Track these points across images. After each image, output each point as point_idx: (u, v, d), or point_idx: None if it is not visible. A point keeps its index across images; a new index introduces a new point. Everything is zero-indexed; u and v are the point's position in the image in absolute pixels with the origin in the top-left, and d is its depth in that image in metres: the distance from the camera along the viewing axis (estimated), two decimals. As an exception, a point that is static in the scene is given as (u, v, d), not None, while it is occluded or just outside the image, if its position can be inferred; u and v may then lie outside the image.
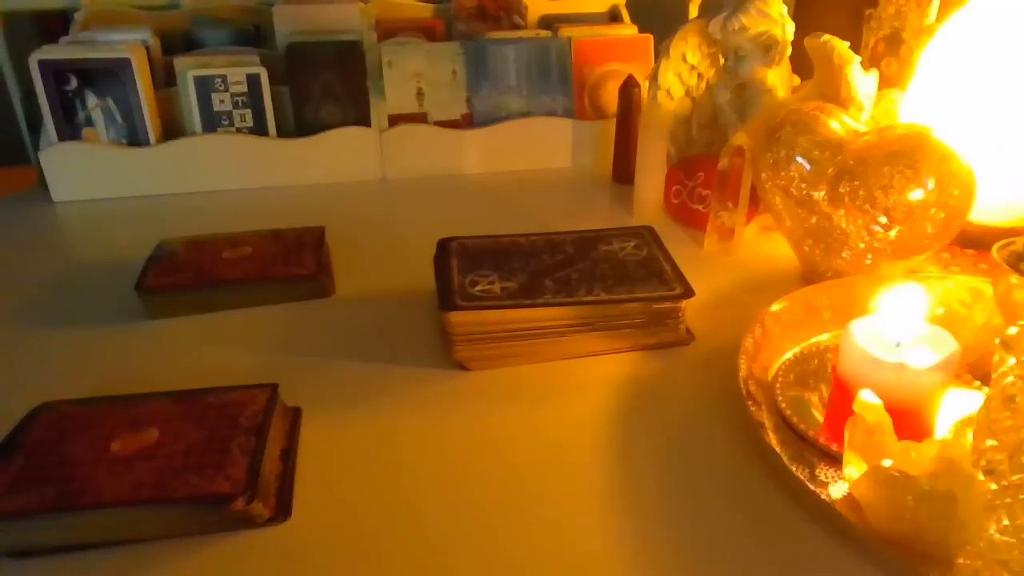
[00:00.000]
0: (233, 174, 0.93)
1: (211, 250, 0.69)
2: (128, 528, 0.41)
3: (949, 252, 0.73)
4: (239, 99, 0.92)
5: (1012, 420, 0.38)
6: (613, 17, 1.14)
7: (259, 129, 0.93)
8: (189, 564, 0.40)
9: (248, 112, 0.92)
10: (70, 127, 0.88)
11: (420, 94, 0.97)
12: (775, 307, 0.57)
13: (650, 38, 1.04)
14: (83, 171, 0.89)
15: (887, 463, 0.40)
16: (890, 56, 0.87)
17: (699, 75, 0.85)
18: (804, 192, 0.64)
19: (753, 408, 0.48)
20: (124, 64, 0.87)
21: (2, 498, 0.40)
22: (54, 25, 1.03)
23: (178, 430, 0.45)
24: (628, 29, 1.09)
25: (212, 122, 0.92)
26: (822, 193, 0.62)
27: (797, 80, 0.86)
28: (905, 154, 0.58)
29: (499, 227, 0.69)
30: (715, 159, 0.74)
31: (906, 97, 0.76)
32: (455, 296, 0.56)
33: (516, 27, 1.09)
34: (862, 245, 0.62)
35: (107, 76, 0.87)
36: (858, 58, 0.72)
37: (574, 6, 1.13)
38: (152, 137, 0.90)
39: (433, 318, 0.62)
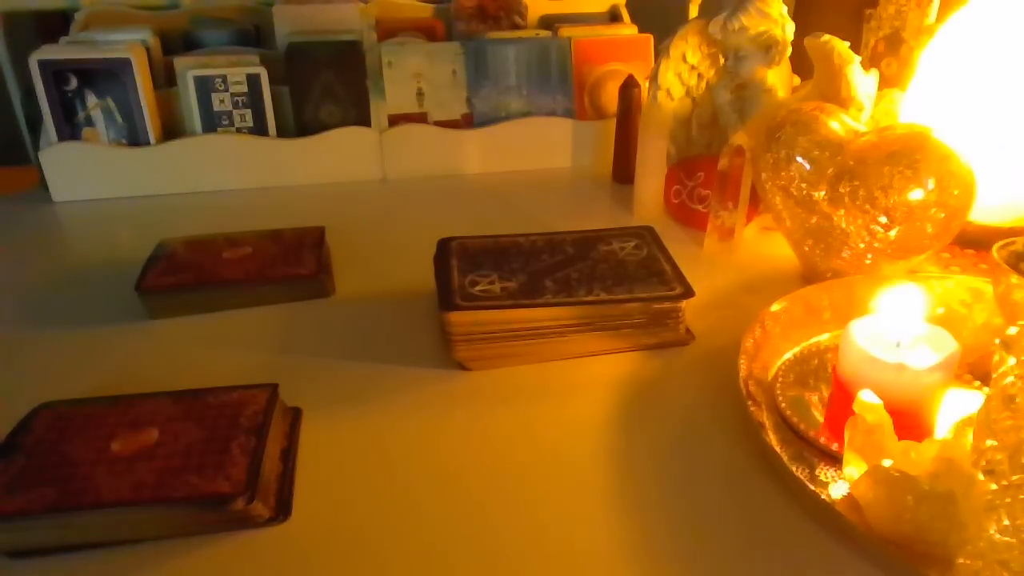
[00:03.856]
0: (233, 174, 0.93)
1: (211, 250, 0.69)
2: (128, 528, 0.41)
3: (949, 252, 0.73)
4: (239, 99, 0.92)
5: (1012, 420, 0.38)
6: (613, 17, 1.14)
7: (259, 129, 0.93)
8: (189, 564, 0.40)
9: (248, 112, 0.92)
10: (70, 127, 0.88)
11: (420, 94, 0.97)
12: (775, 307, 0.57)
13: (650, 38, 1.04)
14: (83, 171, 0.89)
15: (887, 463, 0.40)
16: (890, 56, 0.87)
17: (699, 75, 0.85)
18: (804, 192, 0.64)
19: (753, 408, 0.48)
20: (124, 64, 0.87)
21: (2, 498, 0.40)
22: (54, 25, 1.03)
23: (178, 430, 0.45)
24: (628, 29, 1.09)
25: (212, 122, 0.92)
26: (822, 193, 0.62)
27: (797, 80, 0.86)
28: (905, 154, 0.58)
29: (499, 227, 0.69)
30: (715, 159, 0.74)
31: (906, 97, 0.76)
32: (455, 296, 0.56)
33: (516, 27, 1.08)
34: (862, 245, 0.62)
35: (107, 76, 0.87)
36: (858, 58, 0.72)
37: (574, 6, 1.13)
38: (152, 137, 0.90)
39: (433, 318, 0.62)
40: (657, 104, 0.82)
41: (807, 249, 0.67)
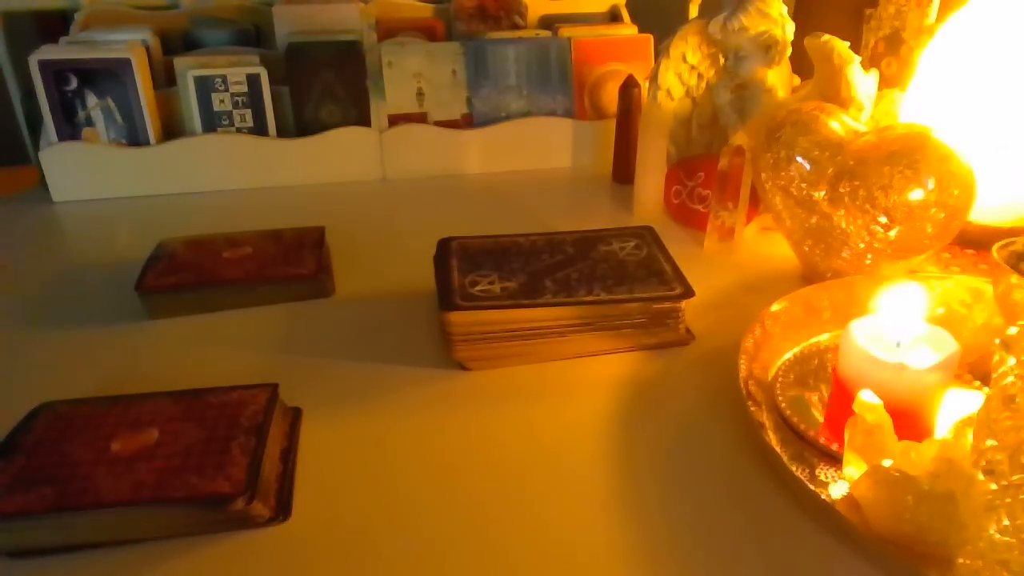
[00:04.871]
0: (233, 174, 0.93)
1: (211, 250, 0.69)
2: (128, 528, 0.41)
3: (949, 252, 0.73)
4: (239, 99, 0.92)
5: (1012, 420, 0.38)
6: (613, 17, 1.14)
7: (259, 129, 0.93)
8: (189, 564, 0.40)
9: (248, 112, 0.92)
10: (70, 127, 0.88)
11: (420, 94, 0.98)
12: (775, 307, 0.57)
13: (650, 38, 1.04)
14: (83, 171, 0.89)
15: (887, 463, 0.40)
16: (890, 56, 0.87)
17: (699, 75, 0.85)
18: (804, 192, 0.64)
19: (753, 408, 0.48)
20: (124, 64, 0.87)
21: (2, 498, 0.40)
22: (54, 25, 1.03)
23: (178, 430, 0.45)
24: (628, 29, 1.09)
25: (212, 122, 0.92)
26: (822, 193, 0.62)
27: (797, 80, 0.86)
28: (905, 154, 0.58)
29: (499, 227, 0.69)
30: (715, 159, 0.74)
31: (906, 97, 0.76)
32: (455, 296, 0.56)
33: (516, 27, 1.09)
34: (862, 245, 0.62)
35: (107, 76, 0.87)
36: (858, 58, 0.72)
37: (574, 6, 1.13)
38: (152, 137, 0.90)
39: (433, 318, 0.62)
40: (657, 104, 0.82)
41: (807, 249, 0.67)
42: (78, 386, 0.54)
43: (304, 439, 0.49)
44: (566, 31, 1.03)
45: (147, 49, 0.91)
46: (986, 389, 0.43)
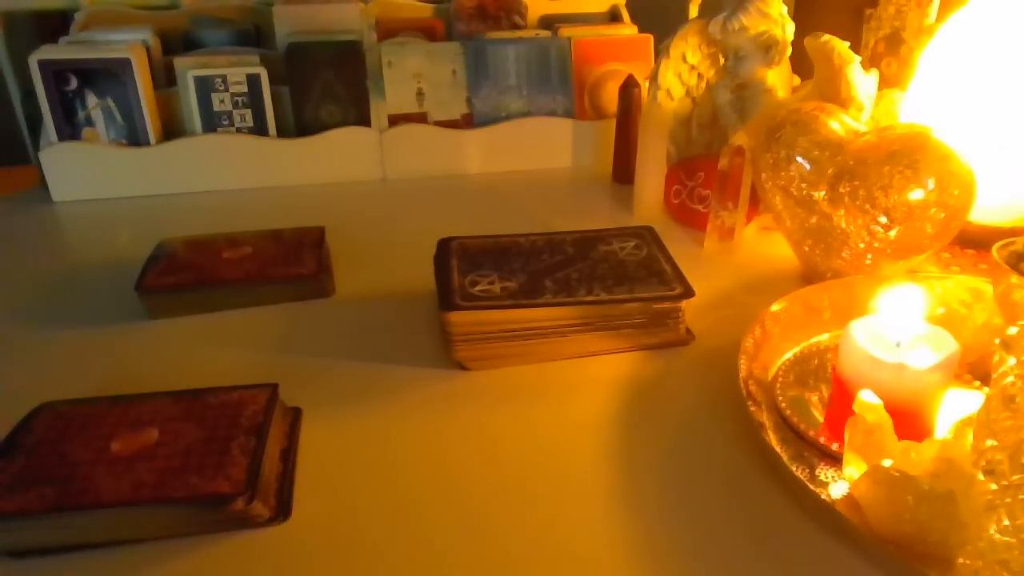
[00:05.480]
0: (233, 174, 0.93)
1: (211, 250, 0.69)
2: (128, 528, 0.41)
3: (949, 252, 0.73)
4: (239, 99, 0.92)
5: (1012, 420, 0.38)
6: (613, 17, 1.14)
7: (259, 129, 0.93)
8: (189, 564, 0.40)
9: (248, 112, 0.92)
10: (70, 127, 0.88)
11: (420, 94, 0.98)
12: (775, 307, 0.57)
13: (650, 38, 1.04)
14: (83, 171, 0.89)
15: (887, 463, 0.40)
16: (890, 56, 0.87)
17: (699, 75, 0.85)
18: (804, 192, 0.64)
19: (753, 408, 0.48)
20: (124, 64, 0.87)
21: (2, 498, 0.40)
22: (54, 25, 1.03)
23: (178, 430, 0.45)
24: (628, 29, 1.09)
25: (212, 122, 0.92)
26: (822, 193, 0.62)
27: (797, 80, 0.86)
28: (905, 154, 0.58)
29: (499, 227, 0.69)
30: (715, 159, 0.74)
31: (906, 97, 0.76)
32: (455, 296, 0.56)
33: (516, 27, 1.09)
34: (862, 245, 0.62)
35: (107, 76, 0.87)
36: (858, 58, 0.72)
37: (574, 6, 1.14)
38: (152, 137, 0.90)
39: (433, 318, 0.62)
40: (657, 104, 0.82)
41: (807, 249, 0.67)
42: (78, 386, 0.54)
43: (304, 439, 0.49)
44: (566, 31, 1.03)
45: (147, 49, 0.91)
46: (986, 389, 0.43)
